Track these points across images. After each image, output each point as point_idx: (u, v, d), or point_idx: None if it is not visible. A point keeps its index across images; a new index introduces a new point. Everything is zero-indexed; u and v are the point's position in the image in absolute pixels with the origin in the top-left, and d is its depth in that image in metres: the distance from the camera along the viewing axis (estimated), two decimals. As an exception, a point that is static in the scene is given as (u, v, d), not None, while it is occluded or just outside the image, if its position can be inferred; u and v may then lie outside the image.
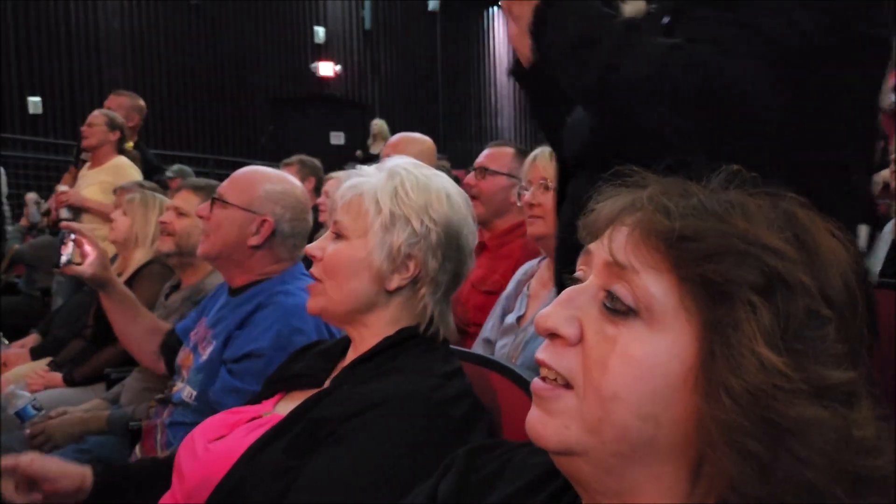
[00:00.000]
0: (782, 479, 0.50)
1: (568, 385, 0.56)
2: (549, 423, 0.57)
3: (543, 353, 0.58)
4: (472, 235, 1.13)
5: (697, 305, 0.53)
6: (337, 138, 11.18)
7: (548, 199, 1.71)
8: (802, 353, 0.51)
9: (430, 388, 0.99)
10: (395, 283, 1.08)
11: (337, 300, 1.10)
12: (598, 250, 0.59)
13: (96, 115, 4.15)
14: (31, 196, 5.04)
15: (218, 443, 1.11)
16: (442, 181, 1.12)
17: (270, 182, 1.65)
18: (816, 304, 0.52)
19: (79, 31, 9.14)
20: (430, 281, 1.09)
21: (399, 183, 1.09)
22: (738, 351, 0.51)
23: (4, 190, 6.18)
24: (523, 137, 13.03)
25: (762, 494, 0.50)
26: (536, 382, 0.58)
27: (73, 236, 1.79)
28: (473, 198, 2.19)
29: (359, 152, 8.50)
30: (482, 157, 2.29)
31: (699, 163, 0.61)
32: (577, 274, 0.61)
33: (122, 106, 4.51)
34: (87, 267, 1.77)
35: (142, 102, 4.75)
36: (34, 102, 8.22)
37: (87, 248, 1.78)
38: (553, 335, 0.57)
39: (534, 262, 1.92)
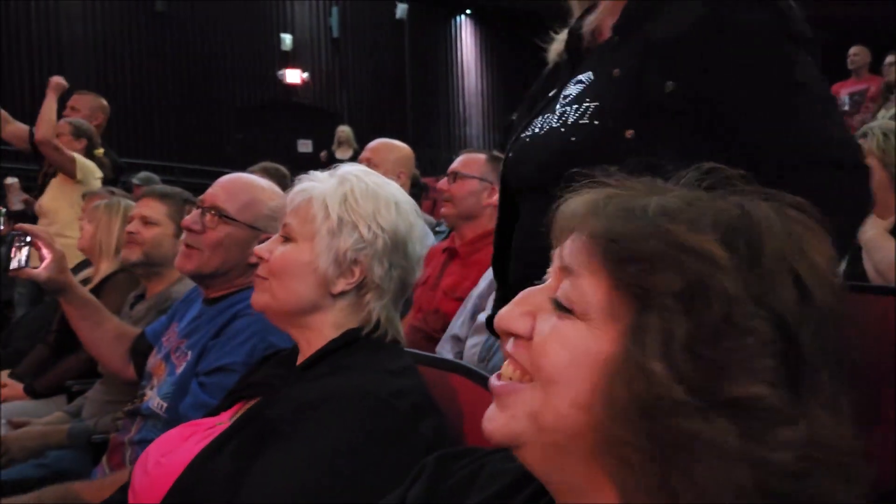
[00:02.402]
0: (681, 493, 0.49)
1: (525, 379, 0.58)
2: (498, 417, 0.58)
3: (509, 348, 0.60)
4: (420, 244, 1.15)
5: (626, 309, 0.53)
6: (304, 146, 11.12)
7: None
8: (710, 363, 0.49)
9: (375, 382, 1.00)
10: (339, 287, 1.10)
11: (281, 299, 1.11)
12: (556, 254, 0.61)
13: (61, 125, 4.06)
14: (12, 181, 4.81)
15: (169, 456, 1.10)
16: (392, 189, 1.14)
17: (272, 199, 1.59)
18: (740, 312, 0.50)
19: (40, 34, 8.97)
20: (376, 287, 1.10)
21: (349, 189, 1.11)
22: (635, 360, 0.51)
23: None
24: (492, 145, 13.09)
25: None
26: (492, 381, 0.60)
27: (28, 239, 1.72)
28: (446, 201, 2.21)
29: (324, 153, 8.46)
30: (455, 163, 2.33)
31: (667, 163, 0.62)
32: (545, 278, 0.62)
33: (86, 105, 4.41)
34: (42, 270, 1.69)
35: (105, 102, 4.65)
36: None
37: (44, 250, 1.71)
38: (510, 333, 0.59)
39: None
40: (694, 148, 0.88)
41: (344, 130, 8.47)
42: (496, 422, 0.58)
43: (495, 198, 1.84)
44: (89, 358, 2.43)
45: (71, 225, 3.51)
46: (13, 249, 1.72)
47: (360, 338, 1.10)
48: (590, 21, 1.10)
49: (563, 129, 1.05)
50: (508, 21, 13.11)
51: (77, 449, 2.02)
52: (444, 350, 1.85)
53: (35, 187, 4.61)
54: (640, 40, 1.01)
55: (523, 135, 1.13)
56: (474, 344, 1.75)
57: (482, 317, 1.78)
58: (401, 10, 11.77)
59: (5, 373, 2.81)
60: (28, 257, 1.71)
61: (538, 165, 1.07)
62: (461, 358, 1.78)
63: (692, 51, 0.97)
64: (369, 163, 2.64)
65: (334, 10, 11.41)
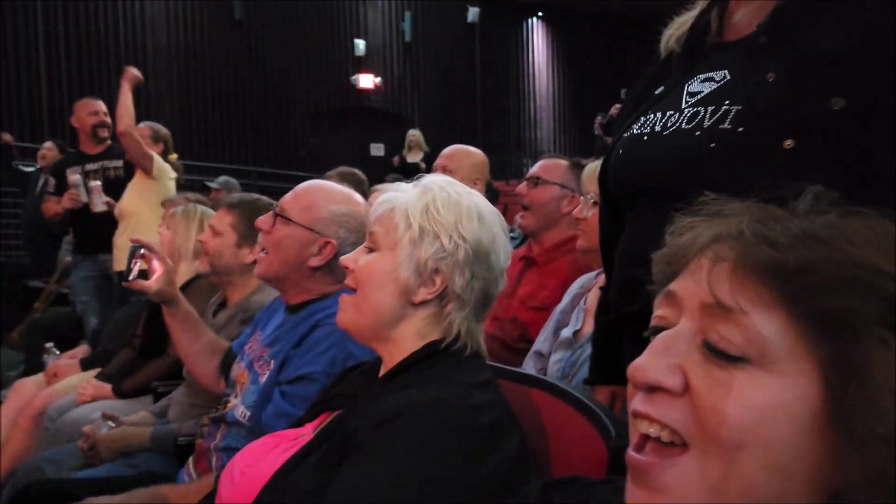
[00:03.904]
0: None
1: (677, 442, 0.51)
2: (657, 498, 0.50)
3: (644, 405, 0.52)
4: (503, 256, 1.13)
5: (817, 344, 0.48)
6: (377, 149, 11.27)
7: (593, 214, 1.67)
8: None
9: (456, 395, 0.99)
10: (420, 296, 1.09)
11: (365, 311, 1.11)
12: (687, 290, 0.53)
13: (142, 128, 4.24)
14: (95, 185, 5.03)
15: (254, 466, 1.12)
16: (475, 200, 1.13)
17: (335, 202, 1.61)
18: None
19: (127, 47, 9.37)
20: (457, 297, 1.09)
21: (431, 199, 1.11)
22: (877, 392, 0.46)
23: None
24: (562, 149, 12.96)
25: None
26: (633, 456, 0.52)
27: (142, 251, 1.77)
28: (524, 208, 2.15)
29: (396, 158, 8.55)
30: (536, 168, 2.26)
31: (779, 185, 0.56)
32: (656, 322, 0.56)
33: (147, 134, 4.51)
34: (153, 283, 1.74)
35: (162, 130, 4.69)
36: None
37: (155, 263, 1.76)
38: (653, 388, 0.52)
39: (591, 275, 1.88)
40: (842, 171, 0.83)
41: (414, 134, 8.55)
42: None
43: (576, 206, 1.78)
44: (173, 362, 2.50)
45: (151, 227, 3.61)
46: (132, 261, 1.76)
47: (440, 350, 1.09)
48: (739, 16, 1.01)
49: (697, 133, 0.97)
50: (580, 23, 12.97)
51: (158, 452, 2.06)
52: (528, 366, 1.82)
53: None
54: (798, 46, 0.92)
55: (637, 132, 1.06)
56: (557, 360, 1.71)
57: (565, 332, 1.74)
58: (472, 13, 11.78)
59: (94, 372, 2.92)
60: (140, 269, 1.77)
61: (662, 168, 1.00)
62: (545, 374, 1.74)
63: (865, 66, 0.88)
64: (445, 170, 2.63)
65: (407, 14, 11.53)
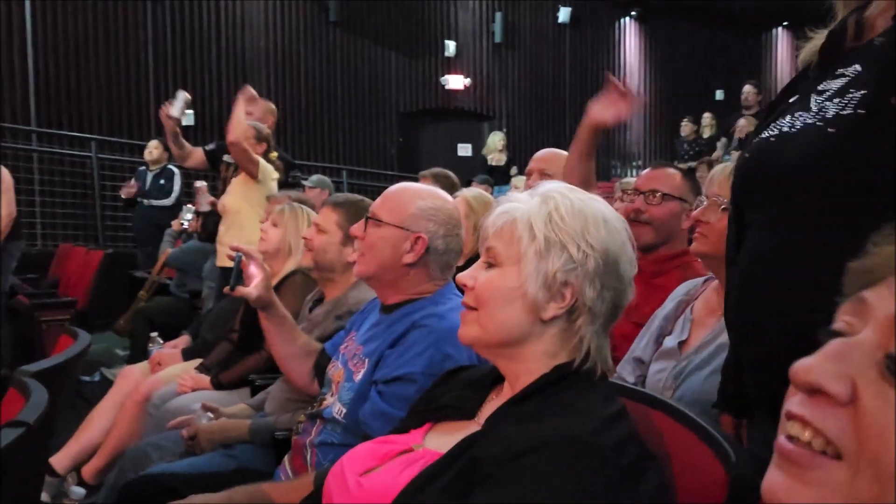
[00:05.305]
0: None
1: (829, 453, 0.48)
2: (800, 493, 0.48)
3: (801, 407, 0.49)
4: (630, 263, 1.07)
5: None
6: (464, 150, 11.30)
7: (718, 219, 1.59)
8: None
9: (593, 431, 0.93)
10: (550, 312, 1.03)
11: (490, 330, 1.06)
12: (881, 300, 0.49)
13: (247, 128, 4.37)
14: (200, 184, 5.26)
15: (370, 476, 1.10)
16: (598, 205, 1.07)
17: (422, 198, 1.64)
18: None
19: (228, 50, 9.74)
20: (588, 311, 1.03)
21: (553, 207, 1.04)
22: None
23: (176, 189, 6.69)
24: (652, 152, 12.66)
25: None
26: (785, 444, 0.49)
27: (241, 257, 1.83)
28: (645, 223, 2.05)
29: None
30: (649, 179, 2.12)
31: None
32: (840, 325, 0.52)
33: (259, 109, 4.69)
34: (253, 289, 1.80)
35: (273, 106, 4.93)
36: (188, 115, 8.85)
37: (253, 269, 1.82)
38: (814, 391, 0.49)
39: (697, 281, 1.80)
40: None
41: (499, 138, 8.61)
42: (800, 496, 0.47)
43: (691, 220, 1.70)
44: (269, 357, 2.57)
45: (252, 224, 3.74)
46: (238, 269, 1.83)
47: (570, 373, 1.04)
48: (877, 17, 0.96)
49: (819, 123, 0.92)
50: (675, 22, 12.62)
51: (258, 444, 2.12)
52: (625, 371, 1.76)
53: (215, 190, 4.99)
54: None
55: (765, 136, 1.01)
56: (659, 370, 1.64)
57: (669, 342, 1.68)
58: (564, 13, 11.65)
59: (195, 363, 3.05)
60: (240, 273, 1.83)
61: (786, 166, 0.95)
62: (643, 382, 1.69)
63: None
64: (542, 173, 2.59)
65: (497, 15, 11.50)
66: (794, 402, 0.50)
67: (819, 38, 1.03)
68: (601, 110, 2.06)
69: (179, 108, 4.30)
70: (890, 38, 0.90)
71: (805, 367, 0.49)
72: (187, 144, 4.54)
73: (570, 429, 0.93)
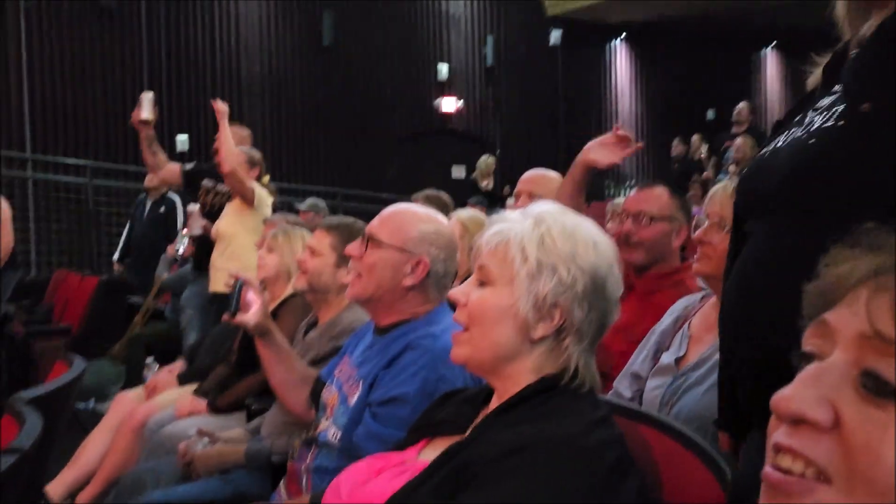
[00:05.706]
0: None
1: (821, 478, 0.48)
2: None
3: (788, 439, 0.49)
4: (617, 283, 1.11)
5: None
6: (458, 171, 11.36)
7: (721, 240, 1.60)
8: None
9: (578, 433, 0.97)
10: (540, 332, 1.07)
11: (482, 348, 1.10)
12: (843, 321, 0.50)
13: (238, 153, 4.37)
14: (193, 208, 5.25)
15: (364, 488, 1.12)
16: (588, 227, 1.11)
17: (423, 222, 1.65)
18: None
19: (223, 75, 9.80)
20: (576, 331, 1.07)
21: (545, 230, 1.08)
22: None
23: (180, 219, 6.61)
24: (645, 172, 12.73)
25: None
26: (773, 474, 0.50)
27: (240, 286, 1.85)
28: (634, 246, 2.06)
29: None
30: (640, 202, 2.13)
31: None
32: (808, 349, 0.53)
33: (236, 136, 4.62)
34: (251, 316, 1.81)
35: (247, 132, 4.83)
36: (182, 140, 8.86)
37: (251, 296, 1.83)
38: (798, 421, 0.49)
39: (695, 297, 1.81)
40: None
41: (486, 161, 8.76)
42: None
43: (684, 238, 1.71)
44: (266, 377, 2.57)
45: (247, 250, 3.73)
46: (237, 297, 1.85)
47: (557, 385, 1.07)
48: (864, 29, 0.98)
49: (804, 136, 0.95)
50: (664, 44, 12.76)
51: (254, 469, 2.12)
52: (622, 386, 1.76)
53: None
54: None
55: (763, 152, 1.04)
56: (656, 386, 1.65)
57: (666, 358, 1.68)
58: (555, 36, 11.77)
59: (191, 387, 3.03)
60: (238, 300, 1.84)
61: (775, 182, 0.96)
62: (640, 397, 1.69)
63: None
64: (531, 195, 2.61)
65: (489, 38, 11.62)
66: (780, 434, 0.50)
67: (825, 61, 1.06)
68: (597, 151, 2.08)
69: (149, 110, 4.27)
70: (864, 50, 0.92)
71: (786, 397, 0.50)
72: (161, 153, 4.51)
73: (556, 430, 0.97)
